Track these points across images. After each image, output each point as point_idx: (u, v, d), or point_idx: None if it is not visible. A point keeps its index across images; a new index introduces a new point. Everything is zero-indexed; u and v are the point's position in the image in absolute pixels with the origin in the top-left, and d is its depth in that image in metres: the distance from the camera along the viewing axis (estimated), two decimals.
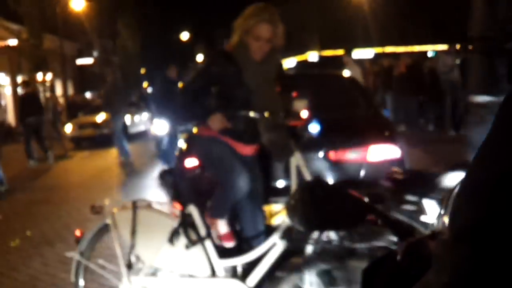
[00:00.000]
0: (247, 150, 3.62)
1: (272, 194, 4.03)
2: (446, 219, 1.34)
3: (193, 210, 3.48)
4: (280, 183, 4.21)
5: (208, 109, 3.48)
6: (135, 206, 3.52)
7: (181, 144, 4.86)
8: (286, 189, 3.69)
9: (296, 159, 3.48)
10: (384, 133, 4.52)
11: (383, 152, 4.26)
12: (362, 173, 4.18)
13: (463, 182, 0.69)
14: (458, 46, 13.00)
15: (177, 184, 4.69)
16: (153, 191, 8.93)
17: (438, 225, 1.49)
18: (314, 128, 3.68)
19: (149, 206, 3.59)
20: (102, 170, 12.21)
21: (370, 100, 5.55)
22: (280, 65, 3.91)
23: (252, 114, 3.45)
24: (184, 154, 4.73)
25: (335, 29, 40.38)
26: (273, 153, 3.62)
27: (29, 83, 14.48)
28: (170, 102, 9.77)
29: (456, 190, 0.72)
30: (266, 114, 3.44)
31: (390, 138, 4.44)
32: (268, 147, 3.59)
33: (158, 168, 11.38)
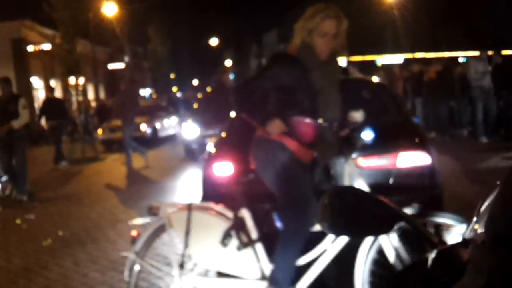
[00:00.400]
0: (307, 157, 3.48)
1: None
2: (478, 227, 1.34)
3: (245, 213, 3.51)
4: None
5: (267, 112, 3.35)
6: (190, 207, 3.58)
7: (210, 148, 4.84)
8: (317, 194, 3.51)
9: (350, 167, 3.46)
10: (414, 140, 4.47)
11: (413, 159, 4.22)
12: (392, 180, 4.16)
13: (500, 190, 0.70)
14: (490, 53, 12.83)
15: (204, 188, 4.72)
16: (181, 192, 9.02)
17: (470, 234, 1.49)
18: (368, 135, 3.62)
19: (203, 208, 3.64)
20: (131, 173, 12.37)
21: (400, 107, 5.49)
22: (341, 68, 3.81)
23: (320, 121, 3.35)
24: (212, 159, 4.69)
25: (364, 35, 40.12)
26: (318, 153, 3.53)
27: (52, 89, 14.98)
28: (222, 107, 10.07)
29: (491, 198, 0.74)
30: (324, 121, 3.36)
31: (420, 145, 4.38)
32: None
33: (187, 170, 11.49)
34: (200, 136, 12.12)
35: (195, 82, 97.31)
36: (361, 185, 3.60)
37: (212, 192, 4.48)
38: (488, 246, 0.68)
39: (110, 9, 27.05)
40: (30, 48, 26.85)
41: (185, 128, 13.60)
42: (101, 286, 4.80)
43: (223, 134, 5.23)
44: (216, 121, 11.73)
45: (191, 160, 12.39)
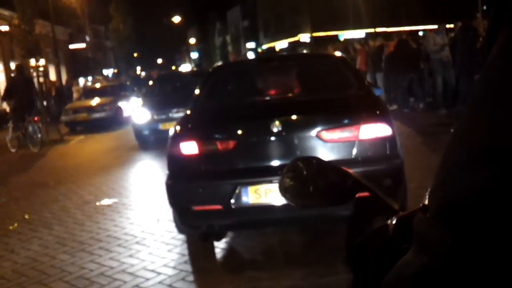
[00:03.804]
0: None
1: (269, 173, 4.18)
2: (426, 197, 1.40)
3: None
4: (275, 162, 4.30)
5: None
6: None
7: (175, 126, 4.74)
8: (282, 168, 3.73)
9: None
10: (375, 112, 4.54)
11: (374, 131, 4.30)
12: (355, 151, 4.26)
13: (442, 158, 0.65)
14: (448, 26, 13.07)
15: (170, 166, 4.57)
16: (146, 172, 9.06)
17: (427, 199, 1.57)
18: None
19: None
20: (97, 154, 12.32)
21: (361, 80, 5.55)
22: None
23: None
24: (177, 137, 4.54)
25: (326, 11, 40.28)
26: None
27: (20, 68, 14.39)
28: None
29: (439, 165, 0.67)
30: None
31: (381, 116, 4.46)
32: None
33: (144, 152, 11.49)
34: (151, 120, 11.78)
35: (159, 60, 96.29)
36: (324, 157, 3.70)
37: (178, 171, 4.49)
38: (430, 221, 0.63)
39: None
40: None
41: (135, 112, 12.93)
42: (70, 267, 4.84)
43: (188, 112, 5.22)
44: (174, 103, 11.48)
45: (142, 148, 11.98)
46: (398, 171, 4.27)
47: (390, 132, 4.32)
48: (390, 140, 4.29)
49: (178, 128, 4.69)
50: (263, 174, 4.19)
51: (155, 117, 11.77)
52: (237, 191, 4.16)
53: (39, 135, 13.26)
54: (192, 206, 4.36)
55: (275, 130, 4.22)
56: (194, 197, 4.35)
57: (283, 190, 1.66)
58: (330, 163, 1.58)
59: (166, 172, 4.58)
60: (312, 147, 4.26)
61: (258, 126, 4.41)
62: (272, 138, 4.27)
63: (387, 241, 0.86)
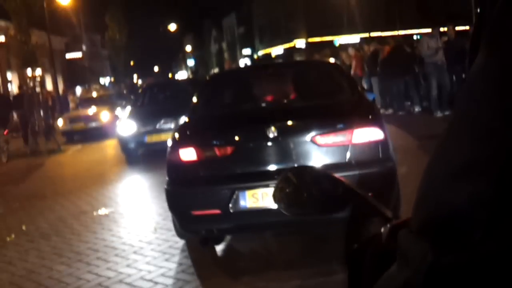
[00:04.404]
0: None
1: (266, 177, 4.30)
2: None
3: None
4: (272, 167, 4.41)
5: None
6: None
7: (175, 134, 4.88)
8: (279, 172, 4.01)
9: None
10: (368, 117, 4.67)
11: (367, 135, 4.41)
12: (348, 155, 4.35)
13: (424, 172, 0.65)
14: (442, 29, 13.12)
15: (169, 172, 4.65)
16: (143, 182, 9.07)
17: None
18: None
19: None
20: (94, 163, 12.31)
21: (354, 86, 5.68)
22: None
23: None
24: (176, 144, 4.62)
25: (321, 17, 40.39)
26: None
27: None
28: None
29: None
30: None
31: (374, 121, 4.58)
32: None
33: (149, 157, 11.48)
34: (137, 133, 10.99)
35: (156, 68, 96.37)
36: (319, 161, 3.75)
37: (177, 177, 4.59)
38: (412, 236, 0.63)
39: None
40: None
41: (120, 123, 12.07)
42: (68, 278, 4.84)
43: (186, 120, 5.34)
44: (162, 114, 10.99)
45: (128, 162, 11.28)
46: (390, 174, 4.38)
47: (382, 136, 4.42)
48: (382, 143, 4.40)
49: (176, 135, 4.80)
50: (260, 178, 4.31)
51: (141, 129, 11.02)
52: (234, 195, 4.26)
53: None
54: (191, 211, 4.45)
55: (271, 135, 4.33)
56: (193, 202, 4.45)
57: (277, 200, 1.67)
58: (323, 171, 1.61)
59: (166, 178, 4.65)
60: (307, 152, 4.39)
61: (255, 132, 4.54)
62: (269, 144, 4.38)
63: (380, 249, 0.87)
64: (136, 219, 6.57)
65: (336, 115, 4.76)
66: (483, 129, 0.56)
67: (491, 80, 0.56)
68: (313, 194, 1.72)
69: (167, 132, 9.82)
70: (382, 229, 0.91)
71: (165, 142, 9.60)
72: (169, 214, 6.47)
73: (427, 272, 0.57)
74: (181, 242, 5.33)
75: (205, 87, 6.11)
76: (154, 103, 13.11)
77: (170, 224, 6.03)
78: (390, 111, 13.69)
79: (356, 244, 1.04)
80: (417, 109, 13.20)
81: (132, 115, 11.88)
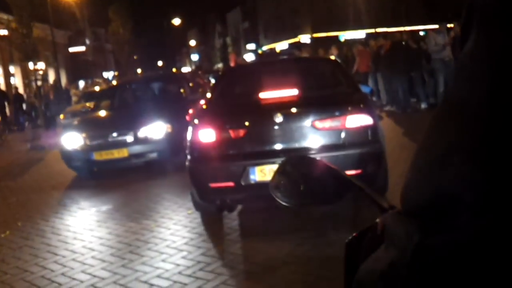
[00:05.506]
0: None
1: (273, 155, 5.07)
2: None
3: None
4: (278, 146, 5.17)
5: None
6: None
7: (194, 117, 5.65)
8: (284, 151, 5.03)
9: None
10: (359, 106, 5.37)
11: (359, 120, 5.14)
12: (342, 137, 5.11)
13: (413, 157, 0.67)
14: (449, 25, 12.92)
15: (190, 152, 5.31)
16: (144, 178, 8.91)
17: None
18: None
19: None
20: None
21: (350, 80, 6.53)
22: None
23: None
24: (197, 127, 5.32)
25: (327, 12, 40.19)
26: None
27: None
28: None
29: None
30: None
31: (364, 109, 5.29)
32: None
33: None
34: (83, 147, 8.91)
35: (160, 63, 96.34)
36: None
37: (197, 155, 5.28)
38: (400, 218, 0.65)
39: None
40: None
41: (63, 134, 9.53)
42: (60, 278, 4.68)
43: (204, 106, 6.30)
44: (119, 123, 8.99)
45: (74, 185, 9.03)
46: (378, 153, 5.15)
47: (371, 121, 5.16)
48: (372, 128, 5.15)
49: (196, 120, 5.51)
50: (267, 156, 5.10)
51: (87, 142, 8.89)
52: (245, 171, 5.03)
53: None
54: (209, 184, 5.21)
55: (277, 120, 5.12)
56: (210, 176, 5.23)
57: (274, 189, 1.58)
58: (320, 161, 1.57)
59: (187, 156, 5.37)
60: (308, 134, 5.16)
61: (263, 117, 5.29)
62: (275, 127, 5.16)
63: (375, 239, 0.88)
64: (135, 217, 6.38)
65: (333, 104, 5.49)
66: (471, 113, 0.58)
67: (479, 61, 0.59)
68: (310, 184, 1.71)
69: (120, 148, 8.62)
70: (378, 219, 0.93)
71: (118, 160, 8.75)
72: (167, 212, 6.35)
73: (413, 252, 0.60)
74: (179, 242, 5.18)
75: (221, 78, 7.17)
76: (109, 109, 10.52)
77: (168, 222, 5.90)
78: (392, 107, 13.51)
79: (350, 237, 1.06)
80: (423, 106, 12.99)
81: (79, 124, 9.73)
